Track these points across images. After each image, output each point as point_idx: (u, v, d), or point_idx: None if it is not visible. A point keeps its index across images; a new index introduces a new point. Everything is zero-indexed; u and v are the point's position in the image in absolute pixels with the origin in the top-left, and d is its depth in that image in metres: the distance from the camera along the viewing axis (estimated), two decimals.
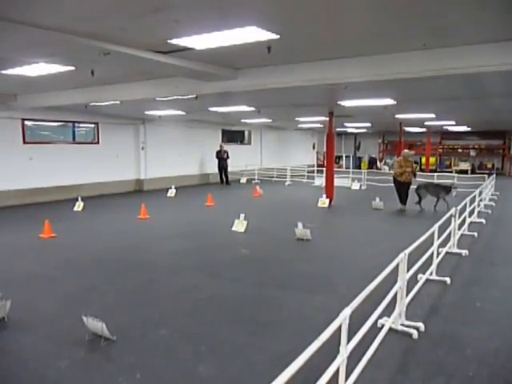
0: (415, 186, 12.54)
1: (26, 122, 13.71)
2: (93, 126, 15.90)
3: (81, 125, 15.71)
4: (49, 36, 4.80)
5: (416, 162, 29.33)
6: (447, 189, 12.22)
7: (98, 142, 16.01)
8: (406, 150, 12.89)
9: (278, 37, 5.06)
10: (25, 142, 13.65)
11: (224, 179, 19.51)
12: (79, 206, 12.18)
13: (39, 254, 7.59)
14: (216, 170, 19.73)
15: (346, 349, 2.77)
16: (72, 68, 6.87)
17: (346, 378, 2.92)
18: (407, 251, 4.25)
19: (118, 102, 10.88)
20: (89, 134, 16.02)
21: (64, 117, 14.58)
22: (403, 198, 12.46)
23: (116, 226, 10.38)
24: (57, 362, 3.81)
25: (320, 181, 18.78)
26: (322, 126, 21.20)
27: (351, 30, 5.14)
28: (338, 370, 2.75)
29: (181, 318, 4.82)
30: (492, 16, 4.53)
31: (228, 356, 3.93)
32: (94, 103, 11.23)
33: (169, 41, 5.26)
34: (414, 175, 12.41)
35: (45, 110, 12.91)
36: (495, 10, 4.33)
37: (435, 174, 18.39)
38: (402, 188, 12.40)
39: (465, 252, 7.41)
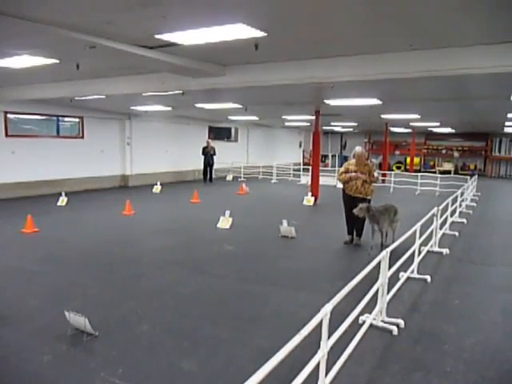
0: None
1: (8, 115, 13.46)
2: (77, 120, 15.69)
3: (65, 119, 15.48)
4: (33, 27, 4.74)
5: (400, 163, 30.12)
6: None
7: (82, 137, 15.81)
8: (358, 148, 8.05)
9: (266, 34, 5.08)
10: (7, 135, 13.39)
11: (208, 176, 19.30)
12: (63, 200, 12.03)
13: (21, 249, 7.49)
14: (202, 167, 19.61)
15: (326, 344, 2.82)
16: (56, 61, 6.78)
17: (327, 373, 2.97)
18: (389, 249, 4.32)
19: (103, 97, 10.78)
20: (73, 128, 15.81)
21: (48, 110, 14.35)
22: (350, 224, 8.06)
23: (100, 221, 10.29)
24: (38, 357, 3.79)
25: (306, 179, 18.86)
26: (308, 124, 21.30)
27: (338, 30, 5.19)
28: (318, 365, 2.80)
29: (164, 313, 4.82)
30: (479, 19, 4.63)
31: (211, 351, 3.95)
32: (78, 97, 11.10)
33: (156, 36, 5.24)
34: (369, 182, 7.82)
35: (28, 102, 12.71)
36: (482, 13, 4.42)
37: (419, 174, 18.60)
38: (349, 206, 7.72)
39: (446, 251, 7.55)
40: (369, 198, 7.86)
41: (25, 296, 5.28)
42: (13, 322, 4.53)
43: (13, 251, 7.37)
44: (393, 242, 6.17)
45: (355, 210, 7.37)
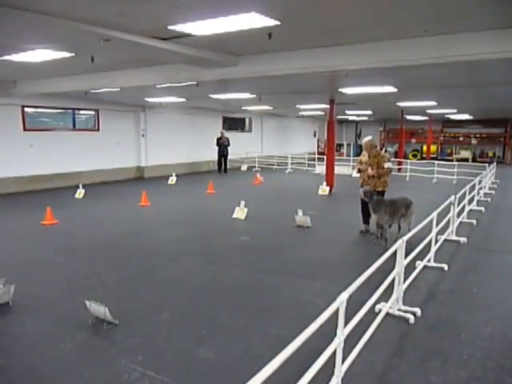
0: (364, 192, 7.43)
1: (25, 109, 13.68)
2: (93, 112, 15.86)
3: (81, 112, 15.68)
4: (48, 22, 4.78)
5: (417, 151, 29.66)
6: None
7: (98, 129, 16.00)
8: (365, 138, 7.98)
9: (279, 23, 5.04)
10: (25, 129, 13.64)
11: (222, 167, 19.35)
12: (80, 193, 12.23)
13: (41, 241, 7.66)
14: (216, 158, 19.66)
15: (342, 331, 2.84)
16: (72, 54, 6.85)
17: (343, 360, 2.99)
18: (405, 238, 4.30)
19: (118, 89, 10.86)
20: (89, 121, 16.00)
21: (64, 104, 14.55)
22: (365, 213, 7.98)
23: (117, 213, 10.44)
24: (60, 345, 3.90)
25: (321, 168, 18.79)
26: (323, 113, 21.13)
27: (352, 17, 5.12)
28: (335, 353, 2.82)
29: (181, 302, 4.89)
30: (494, 2, 4.51)
31: (228, 339, 4.01)
32: (93, 90, 11.20)
33: (169, 27, 5.25)
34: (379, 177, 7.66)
35: (45, 96, 12.89)
36: None
37: (436, 161, 18.34)
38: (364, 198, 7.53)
39: (463, 239, 7.47)
40: (380, 189, 7.63)
41: (46, 286, 5.41)
42: (35, 311, 4.65)
43: (34, 242, 7.54)
44: (409, 230, 6.08)
45: (360, 190, 7.55)
